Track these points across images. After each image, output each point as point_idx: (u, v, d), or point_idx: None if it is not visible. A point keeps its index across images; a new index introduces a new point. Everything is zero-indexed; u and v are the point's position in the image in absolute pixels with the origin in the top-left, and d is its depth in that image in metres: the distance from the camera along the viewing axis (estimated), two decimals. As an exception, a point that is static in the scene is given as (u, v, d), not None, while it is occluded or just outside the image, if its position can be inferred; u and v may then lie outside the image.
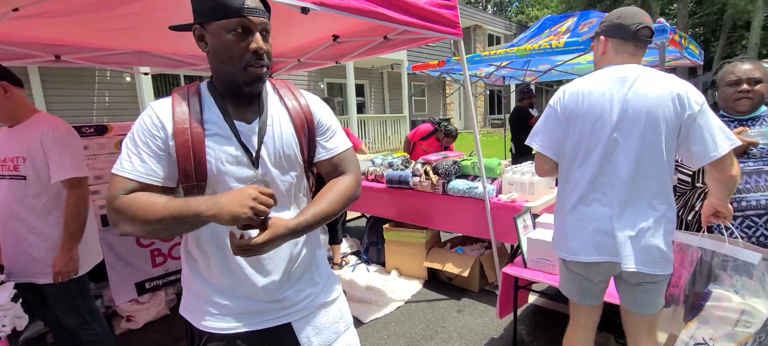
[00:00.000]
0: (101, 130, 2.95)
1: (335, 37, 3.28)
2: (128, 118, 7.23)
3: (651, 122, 1.33)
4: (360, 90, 12.53)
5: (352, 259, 3.89)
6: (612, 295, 1.62)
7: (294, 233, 0.97)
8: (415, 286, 3.30)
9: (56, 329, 1.98)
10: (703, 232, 1.60)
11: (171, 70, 3.93)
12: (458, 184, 3.13)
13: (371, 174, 3.83)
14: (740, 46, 19.41)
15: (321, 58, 3.84)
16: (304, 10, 1.80)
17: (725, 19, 19.13)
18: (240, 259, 1.03)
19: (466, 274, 3.08)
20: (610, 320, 1.79)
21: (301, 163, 1.12)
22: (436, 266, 3.26)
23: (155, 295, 3.07)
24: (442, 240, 3.65)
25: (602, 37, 1.51)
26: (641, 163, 1.35)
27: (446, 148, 4.71)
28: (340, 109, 11.98)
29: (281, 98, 1.12)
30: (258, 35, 0.97)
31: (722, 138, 1.31)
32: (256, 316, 1.08)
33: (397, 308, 3.00)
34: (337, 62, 3.90)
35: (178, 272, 3.14)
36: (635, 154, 1.35)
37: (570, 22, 5.19)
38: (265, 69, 1.01)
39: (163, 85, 8.47)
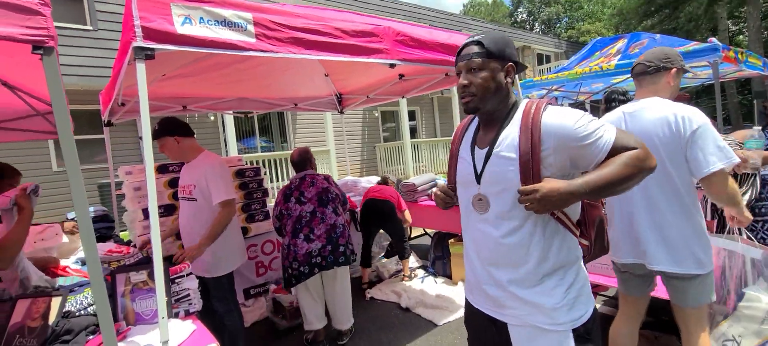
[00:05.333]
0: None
1: (401, 75, 3.78)
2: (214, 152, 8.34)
3: (646, 141, 1.46)
4: (412, 115, 13.07)
5: (420, 272, 4.26)
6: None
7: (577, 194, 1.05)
8: (480, 296, 3.58)
9: (205, 317, 2.53)
10: (728, 231, 1.80)
11: (258, 112, 4.70)
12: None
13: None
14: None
15: (387, 94, 4.37)
16: (392, 65, 2.29)
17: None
18: None
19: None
20: (674, 322, 1.96)
21: (519, 184, 1.13)
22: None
23: (257, 300, 3.63)
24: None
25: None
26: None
27: None
28: (391, 135, 12.59)
29: (524, 117, 1.16)
30: (463, 75, 1.20)
31: (715, 157, 1.47)
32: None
33: (466, 314, 3.30)
34: (402, 96, 4.41)
35: (277, 281, 3.69)
36: None
37: (620, 43, 5.34)
38: (468, 100, 1.20)
39: (241, 122, 9.58)
